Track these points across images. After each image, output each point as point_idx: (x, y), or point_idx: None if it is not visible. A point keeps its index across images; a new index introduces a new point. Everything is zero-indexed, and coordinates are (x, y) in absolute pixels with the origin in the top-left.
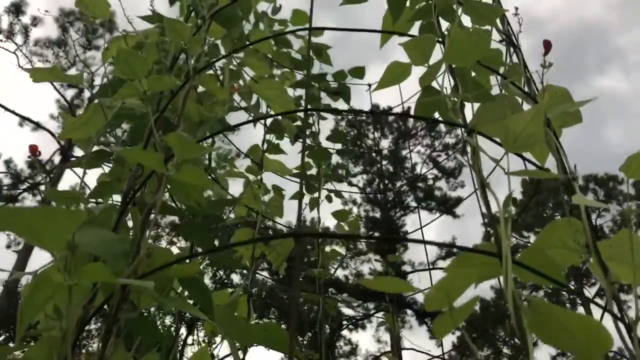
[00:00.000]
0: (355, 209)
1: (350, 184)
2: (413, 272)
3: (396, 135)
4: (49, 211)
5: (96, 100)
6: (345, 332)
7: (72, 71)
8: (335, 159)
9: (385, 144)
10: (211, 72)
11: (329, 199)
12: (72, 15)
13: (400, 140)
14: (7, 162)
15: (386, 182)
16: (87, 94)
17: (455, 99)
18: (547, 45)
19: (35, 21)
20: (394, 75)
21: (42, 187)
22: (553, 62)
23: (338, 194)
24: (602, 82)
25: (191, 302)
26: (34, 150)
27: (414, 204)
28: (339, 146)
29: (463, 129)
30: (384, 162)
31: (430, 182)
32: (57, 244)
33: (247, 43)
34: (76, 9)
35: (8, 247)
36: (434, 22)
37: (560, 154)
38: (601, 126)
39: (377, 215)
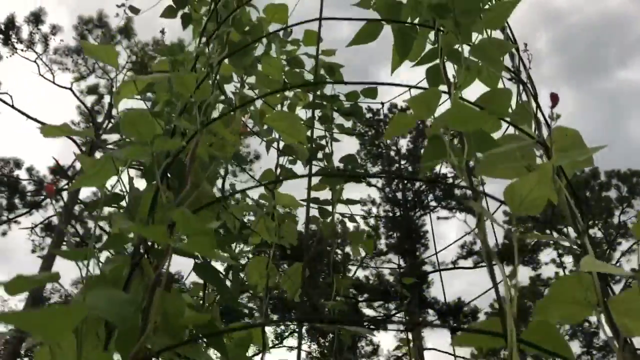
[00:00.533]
0: (374, 209)
1: (369, 184)
2: (434, 272)
3: (414, 134)
4: (49, 314)
5: (105, 153)
6: None
7: (92, 78)
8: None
9: (403, 142)
10: (222, 96)
11: (343, 223)
12: (91, 22)
13: (419, 138)
14: (29, 170)
15: (405, 181)
16: (107, 99)
17: (461, 153)
18: (554, 98)
19: (55, 30)
20: (401, 125)
21: (65, 193)
22: (575, 54)
23: (352, 218)
24: (624, 74)
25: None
26: (50, 191)
27: (434, 203)
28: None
29: (470, 193)
30: (403, 162)
31: (450, 180)
32: (61, 336)
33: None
34: (94, 16)
35: (33, 251)
36: (439, 66)
37: (570, 206)
38: (623, 120)
39: (397, 214)
